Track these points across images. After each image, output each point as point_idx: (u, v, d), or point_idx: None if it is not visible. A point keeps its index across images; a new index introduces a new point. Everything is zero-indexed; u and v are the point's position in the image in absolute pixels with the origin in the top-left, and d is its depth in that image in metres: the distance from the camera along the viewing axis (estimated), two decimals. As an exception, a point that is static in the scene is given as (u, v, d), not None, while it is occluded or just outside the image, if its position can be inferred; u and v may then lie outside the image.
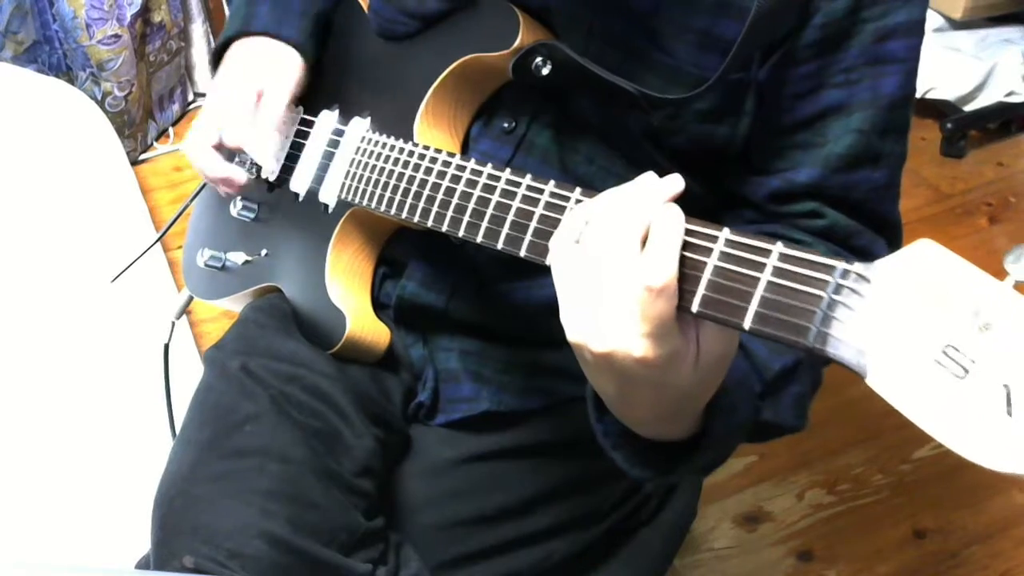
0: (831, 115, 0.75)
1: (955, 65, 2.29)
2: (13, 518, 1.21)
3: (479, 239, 0.69)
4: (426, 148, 0.78)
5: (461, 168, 0.73)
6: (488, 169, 0.70)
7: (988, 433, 0.43)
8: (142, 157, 2.27)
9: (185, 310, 1.11)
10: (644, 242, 0.56)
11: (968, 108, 2.30)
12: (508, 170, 0.68)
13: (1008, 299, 0.44)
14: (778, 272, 0.51)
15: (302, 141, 0.92)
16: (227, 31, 0.95)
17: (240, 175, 0.91)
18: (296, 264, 0.93)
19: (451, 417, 0.90)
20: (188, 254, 1.06)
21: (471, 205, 0.71)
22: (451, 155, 0.75)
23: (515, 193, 0.67)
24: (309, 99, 0.95)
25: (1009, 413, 0.42)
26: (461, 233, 0.71)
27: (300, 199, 0.92)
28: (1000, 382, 0.43)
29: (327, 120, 0.91)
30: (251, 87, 0.89)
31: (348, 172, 0.86)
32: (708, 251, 0.54)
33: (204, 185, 1.05)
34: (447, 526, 0.88)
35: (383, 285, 0.93)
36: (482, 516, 0.88)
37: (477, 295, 0.89)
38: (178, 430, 0.88)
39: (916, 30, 0.75)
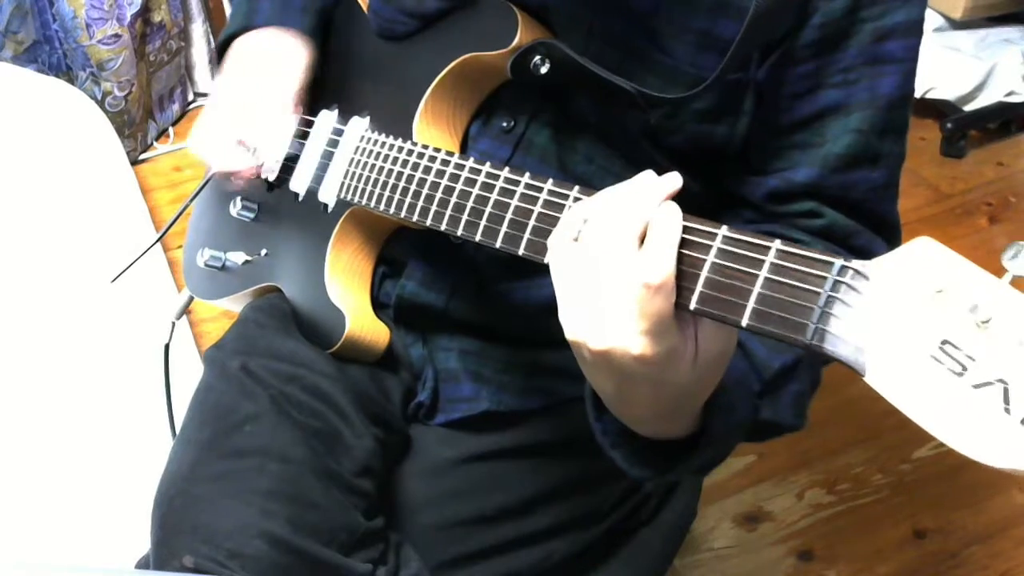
0: (829, 115, 0.75)
1: (955, 65, 2.29)
2: (13, 518, 1.21)
3: (478, 238, 0.69)
4: (425, 147, 0.78)
5: (460, 167, 0.73)
6: (487, 168, 0.70)
7: (986, 429, 0.43)
8: (142, 157, 2.27)
9: (185, 310, 1.12)
10: (642, 240, 0.56)
11: (968, 108, 2.30)
12: (507, 169, 0.68)
13: (1006, 296, 0.44)
14: (776, 269, 0.51)
15: (301, 141, 0.92)
16: (230, 27, 0.95)
17: (270, 162, 0.92)
18: (296, 264, 0.93)
19: (451, 417, 0.90)
20: (188, 254, 1.06)
21: (470, 204, 0.71)
22: (450, 154, 0.75)
23: (513, 192, 0.67)
24: (308, 99, 0.95)
25: (1007, 409, 0.42)
26: (460, 232, 0.71)
27: (300, 199, 0.92)
28: (998, 378, 0.43)
29: (326, 120, 0.91)
30: (266, 82, 0.90)
31: (347, 171, 0.86)
32: (706, 248, 0.54)
33: (204, 185, 1.05)
34: (447, 526, 0.88)
35: (383, 284, 0.93)
36: (482, 516, 0.88)
37: (477, 295, 0.89)
38: (178, 430, 0.88)
39: (915, 30, 0.75)
